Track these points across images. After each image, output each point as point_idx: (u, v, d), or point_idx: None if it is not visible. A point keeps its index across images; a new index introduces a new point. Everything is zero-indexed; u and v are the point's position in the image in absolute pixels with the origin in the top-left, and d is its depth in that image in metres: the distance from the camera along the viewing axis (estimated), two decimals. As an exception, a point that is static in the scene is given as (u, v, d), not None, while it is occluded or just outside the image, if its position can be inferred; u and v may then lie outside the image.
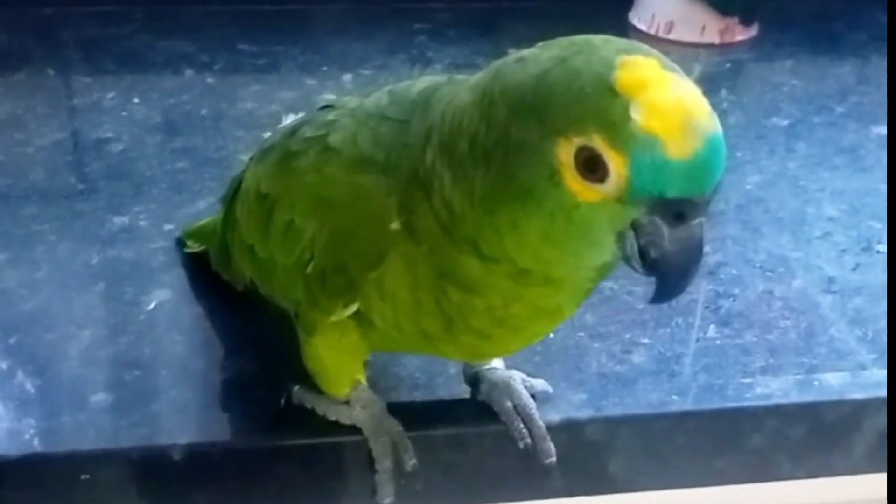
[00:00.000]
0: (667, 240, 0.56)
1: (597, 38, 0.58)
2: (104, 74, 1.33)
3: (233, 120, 1.24)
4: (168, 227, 1.02)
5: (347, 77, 1.35)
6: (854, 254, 1.06)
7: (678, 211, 0.55)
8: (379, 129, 0.67)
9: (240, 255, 0.80)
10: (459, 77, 0.67)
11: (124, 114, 1.23)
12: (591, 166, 0.55)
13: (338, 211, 0.66)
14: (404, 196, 0.64)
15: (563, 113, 0.55)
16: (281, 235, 0.70)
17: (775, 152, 1.24)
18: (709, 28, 1.49)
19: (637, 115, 0.53)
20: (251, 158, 0.81)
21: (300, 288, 0.70)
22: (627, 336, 0.92)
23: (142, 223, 1.03)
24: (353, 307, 0.68)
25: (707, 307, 0.97)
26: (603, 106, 0.54)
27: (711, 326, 0.94)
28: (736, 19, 1.50)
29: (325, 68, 1.37)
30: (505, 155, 0.57)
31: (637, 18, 1.54)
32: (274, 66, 1.37)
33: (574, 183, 0.55)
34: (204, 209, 1.05)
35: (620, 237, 0.57)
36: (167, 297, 0.93)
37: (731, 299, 0.98)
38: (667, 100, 0.54)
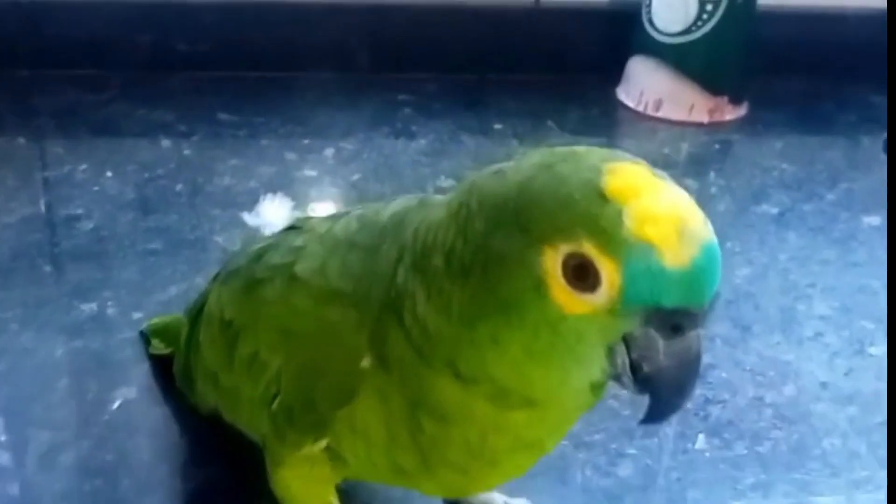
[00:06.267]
0: (662, 353, 0.52)
1: (580, 148, 0.55)
2: (78, 144, 1.29)
3: (209, 197, 1.20)
4: (137, 315, 0.99)
5: (329, 151, 1.32)
6: (846, 356, 1.03)
7: (675, 322, 0.52)
8: (348, 258, 0.63)
9: (203, 381, 0.76)
10: (431, 199, 0.64)
11: (96, 188, 1.19)
12: (582, 274, 0.51)
13: (305, 346, 0.63)
14: (375, 328, 0.60)
15: (550, 220, 0.52)
16: (246, 366, 0.67)
17: (765, 242, 1.21)
18: (697, 107, 1.47)
19: (630, 222, 0.50)
20: (216, 277, 0.77)
21: (266, 421, 0.66)
22: (613, 446, 0.89)
23: (110, 311, 0.99)
24: (323, 443, 0.64)
25: (696, 414, 0.93)
26: (593, 212, 0.51)
27: (701, 436, 0.91)
28: (725, 98, 1.48)
29: (306, 141, 1.34)
30: (484, 267, 0.54)
31: (625, 95, 1.52)
32: (254, 138, 1.34)
33: (561, 293, 0.52)
34: (175, 296, 1.01)
35: (610, 351, 0.53)
36: (132, 396, 0.90)
37: (721, 406, 0.95)
38: (660, 206, 0.51)
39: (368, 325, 0.60)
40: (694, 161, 1.38)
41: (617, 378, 0.55)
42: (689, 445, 0.90)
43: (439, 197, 0.63)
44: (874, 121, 1.52)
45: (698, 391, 0.96)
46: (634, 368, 0.53)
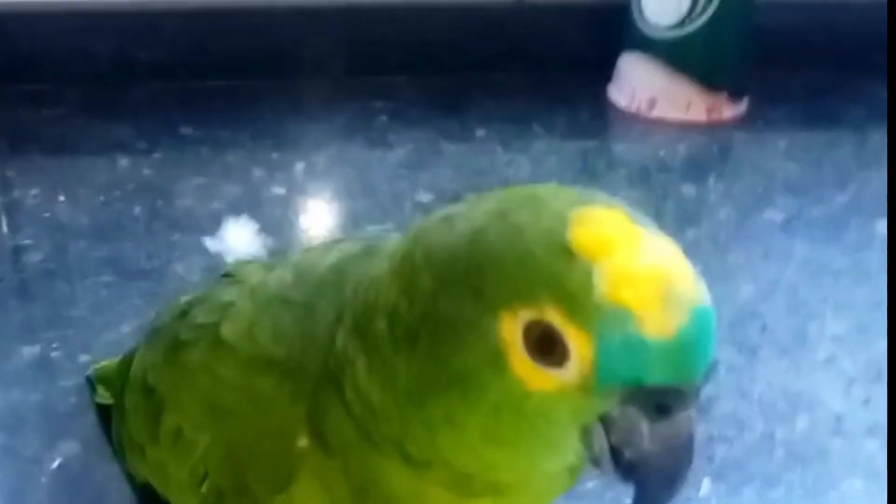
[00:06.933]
0: (646, 438, 0.43)
1: (542, 188, 0.46)
2: (30, 166, 1.21)
3: (169, 221, 1.11)
4: (84, 357, 0.90)
5: (299, 166, 1.23)
6: (864, 383, 0.94)
7: (660, 402, 0.43)
8: (280, 318, 0.54)
9: (130, 452, 0.67)
10: (378, 244, 0.54)
11: (47, 215, 1.11)
12: (546, 346, 0.42)
13: (234, 423, 0.54)
14: (312, 401, 0.51)
15: (506, 281, 0.43)
16: (171, 442, 0.58)
17: (771, 254, 1.12)
18: (695, 105, 1.38)
19: (602, 283, 0.41)
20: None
21: None
22: (609, 495, 0.80)
23: (54, 354, 0.91)
24: (262, 529, 0.55)
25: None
26: (557, 271, 0.42)
27: (706, 481, 0.83)
28: (724, 94, 1.39)
29: (274, 155, 1.26)
30: (433, 335, 0.45)
31: (616, 94, 1.43)
32: (218, 154, 1.25)
33: (523, 367, 0.43)
34: (127, 334, 0.93)
35: (586, 433, 0.44)
36: (75, 452, 0.82)
37: (727, 445, 0.86)
38: (639, 263, 0.42)
39: (304, 397, 0.51)
40: (692, 164, 1.29)
41: (595, 463, 0.46)
42: (693, 493, 0.81)
43: (390, 241, 0.54)
44: (884, 114, 1.43)
45: (702, 429, 0.87)
46: (615, 453, 0.44)
